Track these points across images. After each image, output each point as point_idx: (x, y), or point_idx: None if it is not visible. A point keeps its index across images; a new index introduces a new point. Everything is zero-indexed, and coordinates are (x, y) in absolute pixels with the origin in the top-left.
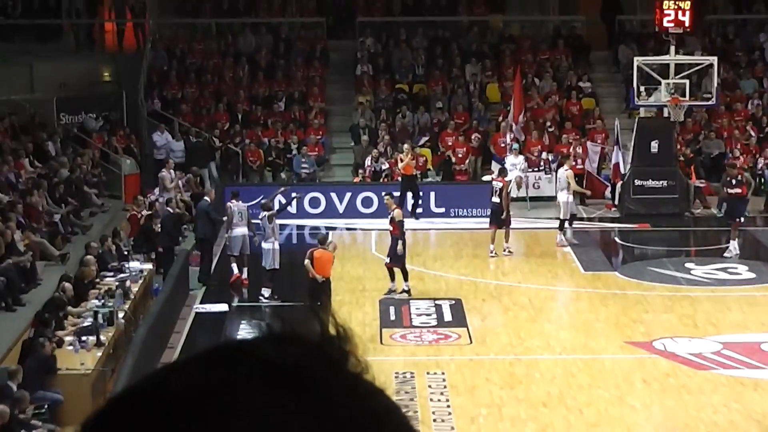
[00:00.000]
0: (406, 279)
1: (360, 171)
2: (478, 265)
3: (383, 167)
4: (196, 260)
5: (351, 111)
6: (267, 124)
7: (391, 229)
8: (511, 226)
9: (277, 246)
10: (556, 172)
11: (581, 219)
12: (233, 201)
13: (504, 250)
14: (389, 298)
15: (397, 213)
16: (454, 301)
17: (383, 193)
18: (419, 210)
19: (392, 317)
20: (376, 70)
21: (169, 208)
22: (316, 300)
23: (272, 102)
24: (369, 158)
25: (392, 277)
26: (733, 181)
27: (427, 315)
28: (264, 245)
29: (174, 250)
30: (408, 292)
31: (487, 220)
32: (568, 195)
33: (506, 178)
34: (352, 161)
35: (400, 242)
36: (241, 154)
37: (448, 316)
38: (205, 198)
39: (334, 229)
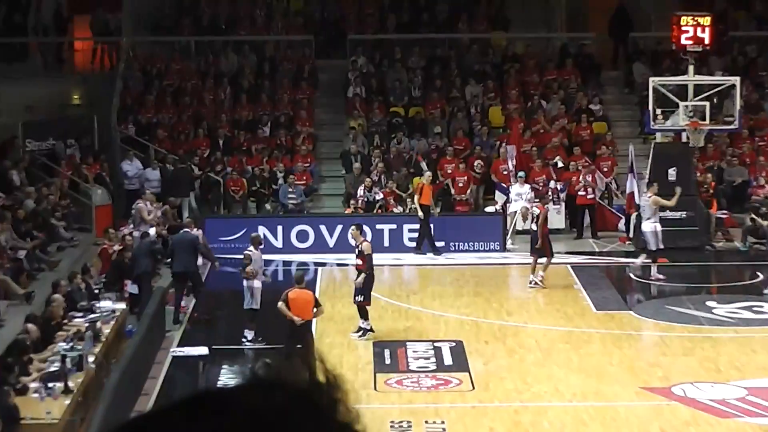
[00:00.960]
0: (364, 318)
1: (351, 201)
2: (480, 304)
3: (377, 197)
4: (172, 299)
5: (342, 136)
6: (251, 150)
7: (360, 263)
8: (548, 259)
9: (257, 284)
10: (565, 202)
11: (592, 253)
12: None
13: (530, 282)
14: (358, 336)
15: (365, 246)
16: (454, 344)
17: (352, 225)
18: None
19: (387, 361)
20: (368, 91)
21: (146, 241)
22: (295, 345)
23: (256, 127)
24: (361, 187)
25: (364, 316)
26: None
27: (426, 358)
28: (245, 282)
29: (150, 284)
30: (366, 331)
31: (490, 253)
32: (655, 224)
33: (545, 206)
34: (343, 191)
35: (362, 276)
36: (222, 184)
37: (448, 360)
38: (186, 230)
39: (323, 264)
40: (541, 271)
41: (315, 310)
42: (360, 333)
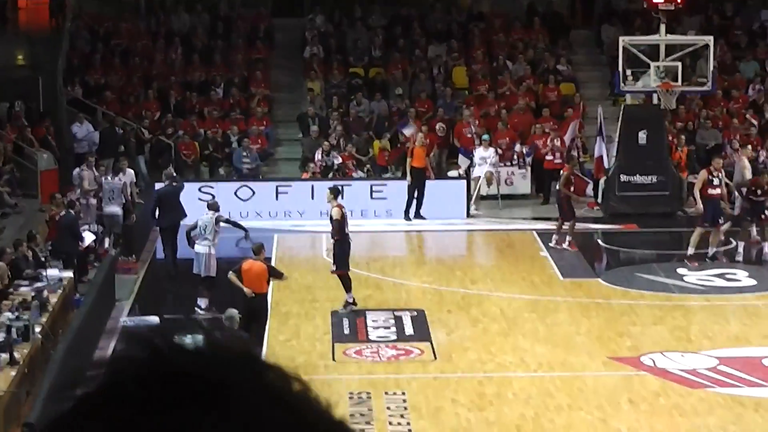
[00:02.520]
0: (347, 290)
1: (309, 166)
2: (443, 271)
3: (335, 161)
4: (123, 267)
5: (299, 98)
6: (203, 113)
7: (331, 228)
8: (566, 221)
9: (213, 251)
10: (531, 166)
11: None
12: (107, 177)
13: (556, 242)
14: (345, 311)
15: (334, 212)
16: (416, 313)
17: (327, 188)
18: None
19: (346, 331)
20: (327, 52)
21: (72, 211)
22: (249, 319)
23: (209, 88)
24: (319, 151)
25: (347, 287)
26: (715, 181)
27: (386, 328)
28: (198, 248)
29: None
30: (353, 303)
31: (453, 220)
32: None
33: (569, 165)
34: (300, 155)
35: (335, 244)
36: (173, 148)
37: (409, 330)
38: (170, 182)
39: (279, 231)
40: (569, 236)
41: (280, 278)
42: (344, 306)
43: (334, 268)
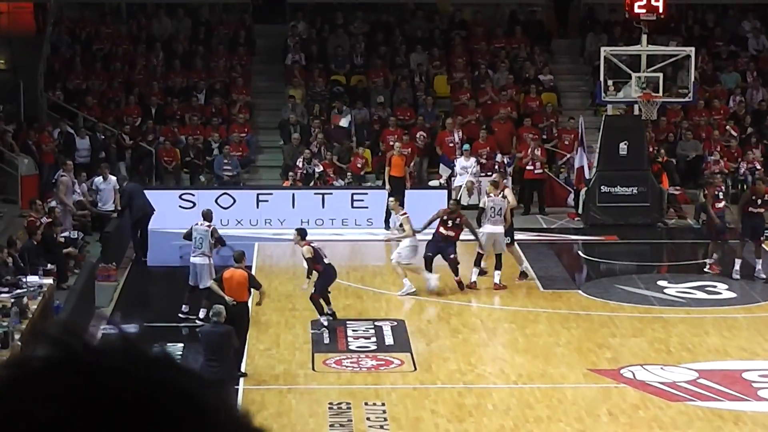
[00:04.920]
0: (320, 312)
1: (290, 173)
2: (423, 281)
3: (317, 169)
4: (103, 274)
5: (280, 105)
6: (184, 119)
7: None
8: (718, 240)
9: (211, 261)
10: (512, 177)
11: (540, 229)
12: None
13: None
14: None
15: (305, 250)
16: (396, 323)
17: (294, 230)
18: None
19: (326, 340)
20: (308, 59)
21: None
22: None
23: (190, 94)
24: (300, 159)
25: (320, 311)
26: (759, 201)
27: (366, 338)
28: (195, 260)
29: None
30: (322, 326)
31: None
32: None
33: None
34: (281, 162)
35: (314, 273)
36: (154, 154)
37: (389, 340)
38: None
39: (260, 239)
40: (715, 253)
41: (259, 293)
42: (318, 329)
43: (313, 290)
